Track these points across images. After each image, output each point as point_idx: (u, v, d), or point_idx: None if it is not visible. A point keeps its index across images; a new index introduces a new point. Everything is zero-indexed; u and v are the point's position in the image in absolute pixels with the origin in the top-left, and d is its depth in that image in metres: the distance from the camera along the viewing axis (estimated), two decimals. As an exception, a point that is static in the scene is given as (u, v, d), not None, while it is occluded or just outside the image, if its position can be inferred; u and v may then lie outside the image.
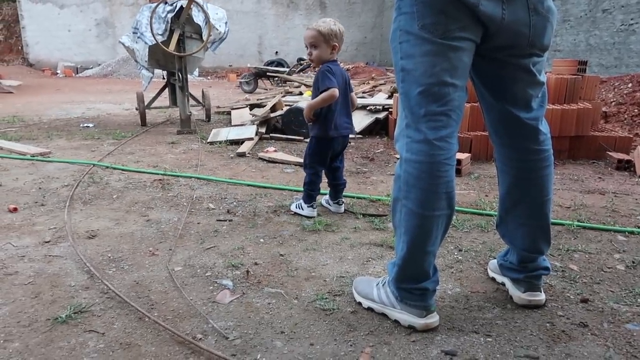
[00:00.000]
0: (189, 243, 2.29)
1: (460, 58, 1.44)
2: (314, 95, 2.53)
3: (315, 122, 2.56)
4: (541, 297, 1.72)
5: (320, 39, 2.44)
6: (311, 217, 2.62)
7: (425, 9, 1.40)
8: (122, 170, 3.61)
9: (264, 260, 2.10)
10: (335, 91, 2.47)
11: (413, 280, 1.56)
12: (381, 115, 5.22)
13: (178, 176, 3.45)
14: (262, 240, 2.32)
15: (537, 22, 1.46)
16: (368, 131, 5.18)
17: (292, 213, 2.67)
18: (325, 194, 2.93)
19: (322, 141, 2.59)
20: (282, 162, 3.93)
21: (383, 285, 1.67)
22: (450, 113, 1.46)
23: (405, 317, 1.58)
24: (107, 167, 3.68)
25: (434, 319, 1.57)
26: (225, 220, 2.58)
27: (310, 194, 2.65)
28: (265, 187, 3.20)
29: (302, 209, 2.65)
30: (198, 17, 5.17)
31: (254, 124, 5.12)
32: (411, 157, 1.48)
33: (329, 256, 2.15)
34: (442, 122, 1.45)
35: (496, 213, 2.68)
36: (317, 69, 2.59)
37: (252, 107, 6.29)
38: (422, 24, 1.41)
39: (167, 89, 6.01)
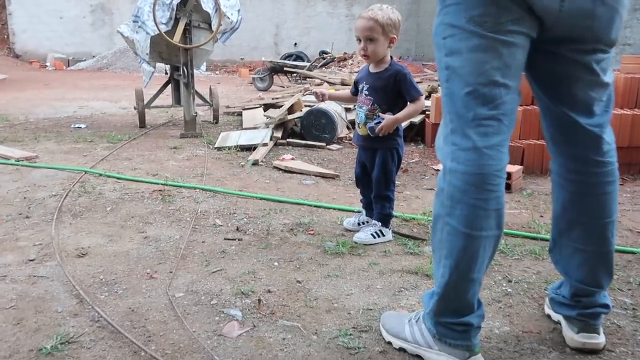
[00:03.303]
0: (192, 265, 2.31)
1: (514, 55, 1.44)
2: (381, 100, 2.50)
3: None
4: (599, 340, 1.67)
5: (379, 31, 2.37)
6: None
7: None
8: (118, 178, 3.67)
9: (279, 287, 2.10)
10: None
11: (454, 314, 1.54)
12: (417, 119, 5.21)
13: (181, 187, 3.50)
14: (276, 263, 2.33)
15: (603, 13, 1.45)
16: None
17: (368, 244, 2.55)
18: (354, 211, 2.92)
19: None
20: (301, 173, 3.95)
21: (417, 321, 1.66)
22: (502, 117, 1.46)
23: (445, 359, 1.56)
24: (101, 174, 3.74)
25: None
26: (234, 240, 2.60)
27: (391, 215, 2.64)
28: (280, 202, 3.22)
29: (384, 235, 2.60)
30: (207, 4, 5.26)
31: (268, 127, 5.16)
32: (457, 167, 1.47)
33: (354, 284, 2.14)
34: (492, 127, 1.46)
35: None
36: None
37: (266, 107, 6.34)
38: (470, 15, 1.42)
39: (170, 86, 6.10)
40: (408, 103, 2.48)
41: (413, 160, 4.45)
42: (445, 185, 1.50)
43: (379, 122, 2.48)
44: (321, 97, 2.71)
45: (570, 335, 1.69)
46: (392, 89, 2.48)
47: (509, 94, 1.46)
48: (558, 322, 1.82)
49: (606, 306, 1.68)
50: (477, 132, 1.45)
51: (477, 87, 1.44)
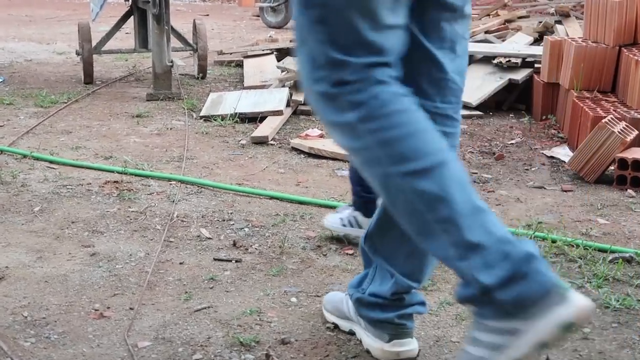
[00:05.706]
0: (164, 299, 2.33)
1: None
2: None
3: None
4: (415, 345, 1.96)
5: None
6: None
7: None
8: (51, 162, 3.72)
9: (298, 336, 2.11)
10: None
11: None
12: (519, 76, 5.15)
13: (148, 177, 3.53)
14: (294, 299, 2.34)
15: None
16: (494, 104, 5.14)
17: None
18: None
19: None
20: (334, 158, 3.95)
21: None
22: None
23: None
24: (25, 156, 3.79)
25: None
26: (230, 261, 2.61)
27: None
28: (302, 203, 3.23)
29: None
30: None
31: (284, 86, 5.16)
32: None
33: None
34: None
35: None
36: None
37: (281, 54, 6.34)
38: None
39: (131, 20, 6.13)
40: None
41: (512, 142, 4.40)
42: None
43: None
44: None
45: (379, 345, 1.93)
46: None
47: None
48: (350, 333, 2.07)
49: (424, 304, 2.00)
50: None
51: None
